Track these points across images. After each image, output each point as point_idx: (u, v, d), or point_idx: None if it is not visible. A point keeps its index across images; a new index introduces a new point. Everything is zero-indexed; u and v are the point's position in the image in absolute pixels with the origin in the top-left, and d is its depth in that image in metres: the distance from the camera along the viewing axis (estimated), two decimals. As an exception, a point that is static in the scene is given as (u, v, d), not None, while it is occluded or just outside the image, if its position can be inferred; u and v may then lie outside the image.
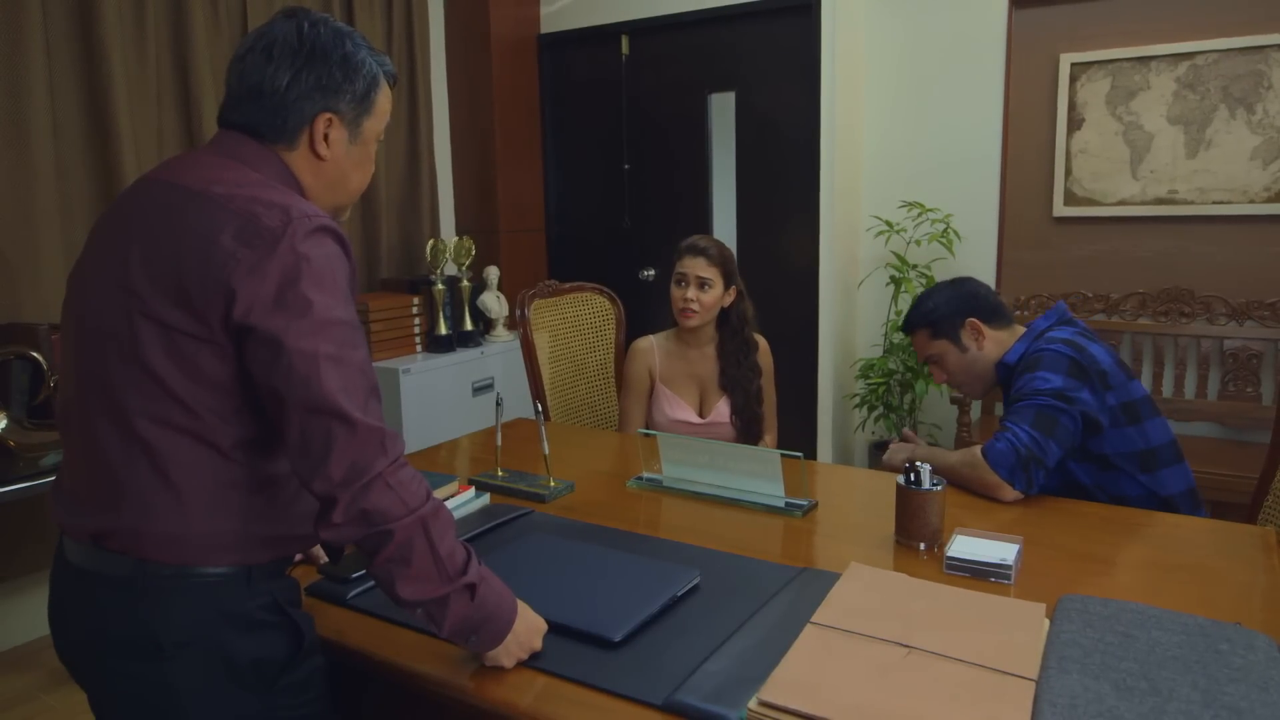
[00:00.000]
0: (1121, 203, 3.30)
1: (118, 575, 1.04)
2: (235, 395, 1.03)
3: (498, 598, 1.10)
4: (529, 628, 1.14)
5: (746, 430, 2.35)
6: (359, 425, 1.00)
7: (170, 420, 1.02)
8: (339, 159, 1.15)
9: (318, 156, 1.13)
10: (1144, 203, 3.26)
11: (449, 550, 1.05)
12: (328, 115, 1.11)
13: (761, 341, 2.40)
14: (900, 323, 1.99)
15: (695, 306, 2.27)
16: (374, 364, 3.37)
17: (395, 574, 1.03)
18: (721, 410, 2.35)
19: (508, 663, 1.12)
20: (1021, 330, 1.93)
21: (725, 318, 2.35)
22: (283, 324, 0.98)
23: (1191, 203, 3.18)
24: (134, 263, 1.03)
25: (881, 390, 3.49)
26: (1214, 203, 3.14)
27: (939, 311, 1.93)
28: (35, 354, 2.46)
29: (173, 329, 1.00)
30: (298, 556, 1.41)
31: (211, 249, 0.99)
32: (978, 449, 1.70)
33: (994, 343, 1.91)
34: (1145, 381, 3.31)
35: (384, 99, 1.18)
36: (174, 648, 1.03)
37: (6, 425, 2.45)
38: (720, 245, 2.33)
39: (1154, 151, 3.22)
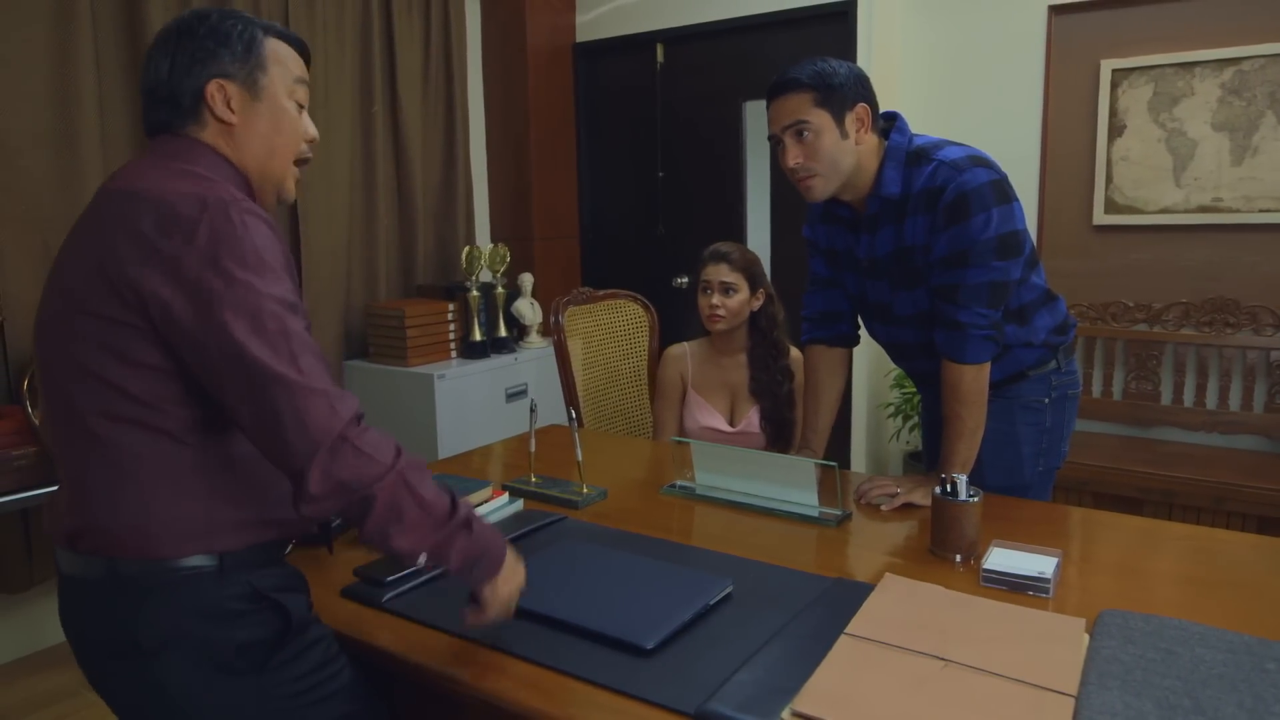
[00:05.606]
0: (1164, 210, 3.24)
1: (92, 578, 1.07)
2: (177, 380, 1.05)
3: (491, 542, 1.14)
4: (515, 567, 1.18)
5: (776, 436, 2.34)
6: (297, 385, 0.99)
7: (117, 413, 1.04)
8: (249, 121, 1.15)
9: (224, 123, 1.14)
10: (1187, 210, 3.20)
11: (433, 496, 1.07)
12: (216, 81, 1.13)
13: (796, 354, 2.39)
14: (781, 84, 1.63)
15: (721, 312, 2.29)
16: (409, 369, 3.42)
17: (390, 531, 1.04)
18: (752, 419, 2.34)
19: (506, 596, 1.15)
20: (879, 142, 1.68)
21: (755, 322, 2.35)
22: (205, 309, 0.99)
23: (1237, 211, 3.11)
24: (68, 265, 1.08)
25: (916, 400, 3.46)
26: (1260, 210, 3.08)
27: (839, 78, 1.60)
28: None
29: (106, 320, 1.03)
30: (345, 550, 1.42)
31: (133, 240, 1.02)
32: (954, 373, 1.64)
33: (868, 146, 1.66)
34: (1189, 394, 3.25)
35: (277, 51, 1.17)
36: (154, 646, 1.05)
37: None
38: (743, 250, 2.34)
39: (1198, 159, 3.16)
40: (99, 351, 1.04)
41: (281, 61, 1.18)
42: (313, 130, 1.23)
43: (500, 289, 3.78)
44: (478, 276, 3.68)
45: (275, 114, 1.17)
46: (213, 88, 1.13)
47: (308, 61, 1.23)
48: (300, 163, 1.23)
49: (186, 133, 1.14)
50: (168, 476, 1.06)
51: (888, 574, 1.35)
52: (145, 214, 1.03)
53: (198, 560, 1.07)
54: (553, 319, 2.63)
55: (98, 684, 1.14)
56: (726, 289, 2.29)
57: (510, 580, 1.16)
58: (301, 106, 1.21)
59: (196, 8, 1.19)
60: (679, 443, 1.91)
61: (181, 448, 1.06)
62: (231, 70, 1.13)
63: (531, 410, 1.86)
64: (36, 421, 2.47)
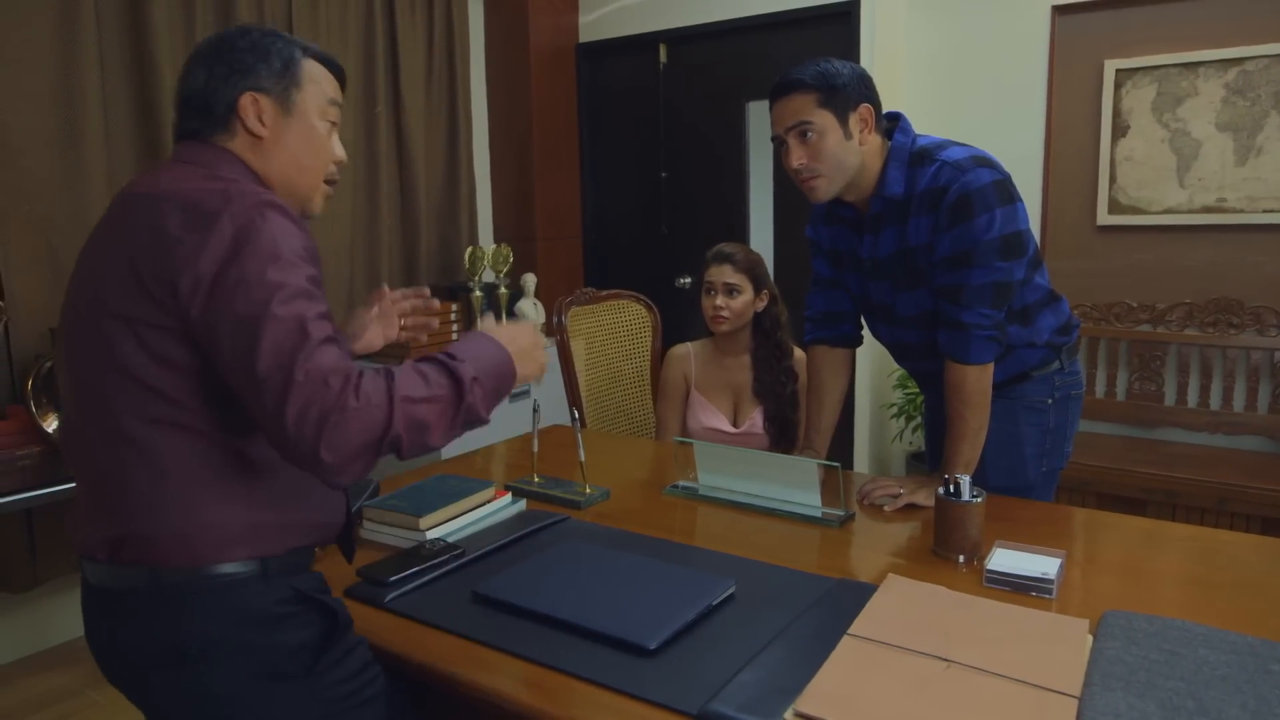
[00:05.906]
0: (1168, 211, 3.23)
1: (134, 588, 1.06)
2: (212, 379, 1.05)
3: (490, 360, 1.13)
4: (514, 339, 1.19)
5: (780, 437, 2.34)
6: (294, 381, 0.96)
7: (155, 415, 1.04)
8: (279, 135, 1.17)
9: (254, 135, 1.15)
10: (1191, 211, 3.19)
11: (439, 389, 1.05)
12: (251, 94, 1.14)
13: (800, 355, 2.39)
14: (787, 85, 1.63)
15: (725, 313, 2.29)
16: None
17: (424, 441, 1.03)
18: (756, 420, 2.34)
19: (537, 371, 1.21)
20: (882, 142, 1.69)
21: (759, 323, 2.35)
22: (223, 303, 0.99)
23: (1241, 211, 3.11)
24: (96, 269, 1.08)
25: (919, 400, 3.45)
26: (1264, 211, 3.07)
27: (843, 79, 1.60)
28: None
29: (139, 322, 1.03)
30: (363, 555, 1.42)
31: (159, 238, 1.02)
32: (959, 374, 1.65)
33: (871, 147, 1.66)
34: (1192, 394, 3.25)
35: (313, 71, 1.19)
36: (200, 654, 1.05)
37: (57, 427, 2.51)
38: (747, 251, 2.34)
39: (1202, 159, 3.16)
40: (134, 354, 1.03)
41: (317, 81, 1.19)
42: (340, 152, 1.25)
43: (503, 289, 3.78)
44: (480, 277, 3.68)
45: (306, 131, 1.19)
46: (246, 100, 1.14)
47: (343, 86, 1.25)
48: (328, 183, 1.24)
49: (214, 141, 1.15)
50: (208, 480, 1.06)
51: (890, 574, 1.34)
52: (171, 213, 1.03)
53: (241, 565, 1.07)
54: (555, 319, 2.63)
55: (137, 696, 1.14)
56: (730, 290, 2.29)
57: (528, 361, 1.20)
58: (333, 127, 1.23)
59: (244, 25, 1.22)
60: (682, 443, 1.91)
61: (219, 450, 1.06)
62: (267, 84, 1.15)
63: (534, 410, 1.86)
64: (40, 422, 2.48)
